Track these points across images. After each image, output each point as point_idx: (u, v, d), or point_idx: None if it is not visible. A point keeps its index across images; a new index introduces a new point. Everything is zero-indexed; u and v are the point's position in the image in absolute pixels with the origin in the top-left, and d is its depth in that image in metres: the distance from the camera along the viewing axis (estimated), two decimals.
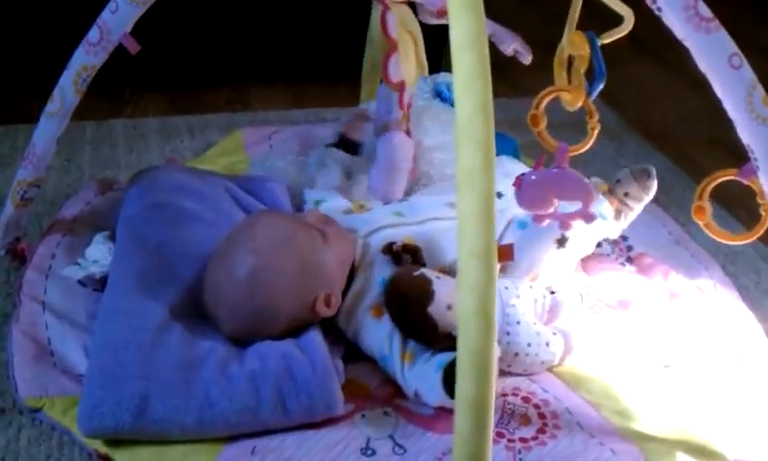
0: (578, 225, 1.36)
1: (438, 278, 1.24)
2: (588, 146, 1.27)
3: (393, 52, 1.43)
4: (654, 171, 1.47)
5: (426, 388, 1.20)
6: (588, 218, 1.20)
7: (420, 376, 1.21)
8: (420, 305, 1.21)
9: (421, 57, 1.50)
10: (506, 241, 1.36)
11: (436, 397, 1.19)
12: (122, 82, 2.14)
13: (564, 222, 1.21)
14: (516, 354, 1.27)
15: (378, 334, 1.26)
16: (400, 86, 1.45)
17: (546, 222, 1.22)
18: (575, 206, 1.20)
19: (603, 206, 1.44)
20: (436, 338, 1.21)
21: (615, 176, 1.49)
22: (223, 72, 2.28)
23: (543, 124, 1.25)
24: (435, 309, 1.21)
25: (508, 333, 1.27)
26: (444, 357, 1.19)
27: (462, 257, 0.78)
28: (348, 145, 1.59)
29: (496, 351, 1.21)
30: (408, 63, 1.47)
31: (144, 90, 2.21)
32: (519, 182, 1.20)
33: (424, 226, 1.38)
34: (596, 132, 1.27)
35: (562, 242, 1.38)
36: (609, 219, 1.45)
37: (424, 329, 1.22)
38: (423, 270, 1.26)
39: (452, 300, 1.21)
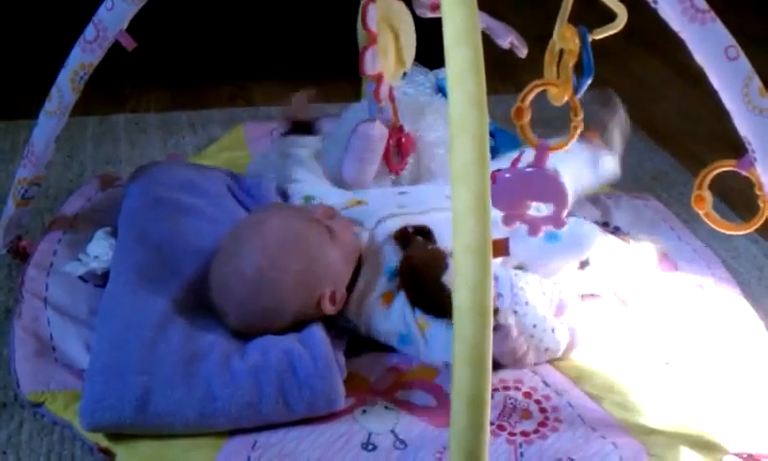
0: (604, 252, 1.39)
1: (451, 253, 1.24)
2: (568, 145, 1.25)
3: (370, 45, 1.44)
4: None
5: None
6: (558, 224, 1.19)
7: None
8: (435, 275, 1.22)
9: (403, 52, 1.50)
10: (532, 248, 1.35)
11: None
12: (124, 77, 2.14)
13: (534, 226, 1.19)
14: (521, 335, 1.27)
15: (391, 319, 1.27)
16: (377, 79, 1.45)
17: (516, 224, 1.20)
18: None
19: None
20: (449, 308, 1.21)
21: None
22: (225, 67, 2.28)
23: (527, 118, 1.23)
24: (449, 279, 1.21)
25: (516, 313, 1.26)
26: None
27: (457, 252, 0.79)
28: (301, 127, 1.58)
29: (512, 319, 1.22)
30: (387, 58, 1.47)
31: (146, 86, 2.21)
32: (494, 178, 1.17)
33: (427, 216, 1.38)
34: (579, 130, 1.25)
35: (583, 264, 1.38)
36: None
37: (438, 298, 1.22)
38: (437, 245, 1.27)
39: None
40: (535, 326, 1.27)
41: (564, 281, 1.40)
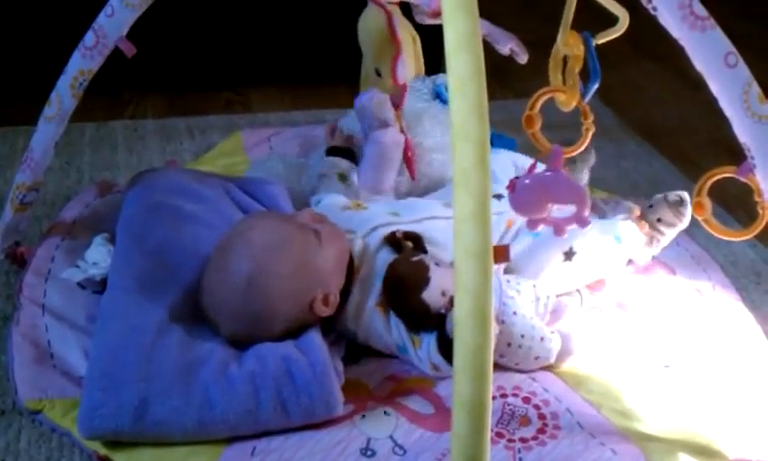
0: (587, 240, 1.38)
1: (437, 264, 1.26)
2: (582, 147, 1.26)
3: (399, 54, 1.43)
4: (688, 198, 1.47)
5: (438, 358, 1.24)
6: (583, 223, 1.18)
7: (431, 348, 1.24)
8: (416, 291, 1.24)
9: (419, 56, 1.51)
10: (515, 246, 1.37)
11: (435, 358, 1.23)
12: (122, 83, 2.14)
13: (559, 227, 1.19)
14: (509, 345, 1.27)
15: (390, 331, 1.28)
16: (402, 88, 1.45)
17: (540, 227, 1.20)
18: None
19: (620, 228, 1.45)
20: (429, 321, 1.24)
21: (648, 201, 1.50)
22: (222, 74, 2.28)
23: (538, 125, 1.25)
24: (429, 295, 1.24)
25: (503, 322, 1.27)
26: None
27: (458, 258, 0.79)
28: (341, 151, 1.58)
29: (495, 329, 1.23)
30: (409, 64, 1.48)
31: (144, 92, 2.21)
32: (513, 186, 1.19)
33: (421, 224, 1.38)
34: (591, 133, 1.26)
35: (569, 255, 1.39)
36: (623, 242, 1.45)
37: (417, 313, 1.24)
38: (422, 255, 1.28)
39: (447, 286, 1.23)
40: (523, 335, 1.28)
41: (560, 284, 1.42)
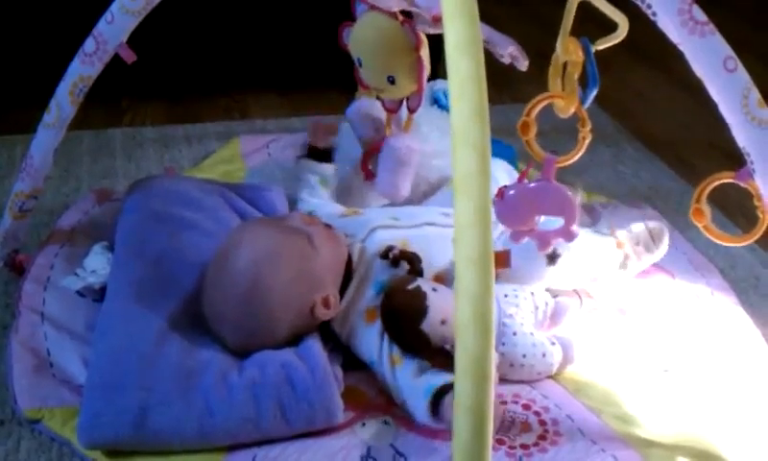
0: (574, 245, 1.35)
1: (434, 290, 1.23)
2: (577, 156, 1.26)
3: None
4: (666, 232, 1.50)
5: (414, 405, 1.20)
6: (569, 237, 1.18)
7: (409, 391, 1.21)
8: (414, 322, 1.21)
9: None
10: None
11: (422, 418, 1.18)
12: (120, 91, 2.14)
13: (544, 240, 1.19)
14: (512, 365, 1.27)
15: (369, 339, 1.26)
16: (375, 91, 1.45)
17: (525, 240, 1.19)
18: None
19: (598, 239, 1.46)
20: (429, 353, 1.21)
21: (629, 224, 1.51)
22: (220, 81, 2.28)
23: (533, 133, 1.24)
24: (428, 325, 1.20)
25: (503, 344, 1.27)
26: (435, 381, 1.18)
27: (459, 264, 0.78)
28: (317, 154, 1.58)
29: (495, 358, 1.22)
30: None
31: (142, 99, 2.21)
32: (501, 194, 1.17)
33: (419, 230, 1.38)
34: (587, 141, 1.26)
35: (552, 259, 1.38)
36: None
37: (417, 345, 1.22)
38: (419, 281, 1.25)
39: (446, 314, 1.20)
40: (525, 355, 1.28)
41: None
